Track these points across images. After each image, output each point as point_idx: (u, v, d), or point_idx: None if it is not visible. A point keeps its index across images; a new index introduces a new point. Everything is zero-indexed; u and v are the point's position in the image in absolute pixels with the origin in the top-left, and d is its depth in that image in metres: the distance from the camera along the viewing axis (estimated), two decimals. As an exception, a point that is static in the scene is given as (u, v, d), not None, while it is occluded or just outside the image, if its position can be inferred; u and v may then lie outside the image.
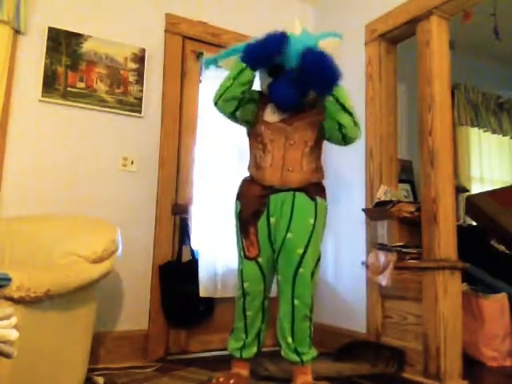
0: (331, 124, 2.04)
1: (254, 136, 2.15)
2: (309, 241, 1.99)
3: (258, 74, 2.08)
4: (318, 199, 2.07)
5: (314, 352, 2.03)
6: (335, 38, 2.08)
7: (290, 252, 1.99)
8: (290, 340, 1.98)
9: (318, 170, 2.13)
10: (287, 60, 1.97)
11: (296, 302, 1.97)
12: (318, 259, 2.06)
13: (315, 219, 2.03)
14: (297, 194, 2.03)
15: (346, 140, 2.07)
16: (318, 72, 1.90)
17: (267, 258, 2.07)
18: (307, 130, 2.07)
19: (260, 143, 2.10)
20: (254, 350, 2.12)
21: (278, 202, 2.04)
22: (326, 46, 2.01)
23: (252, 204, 2.08)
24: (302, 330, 1.99)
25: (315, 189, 2.08)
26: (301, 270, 1.97)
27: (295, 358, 1.98)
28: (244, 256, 2.08)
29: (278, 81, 2.02)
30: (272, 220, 2.04)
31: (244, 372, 2.11)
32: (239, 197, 2.16)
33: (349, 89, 2.94)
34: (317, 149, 2.13)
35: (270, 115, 2.11)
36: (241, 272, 2.10)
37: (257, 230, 2.06)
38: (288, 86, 1.99)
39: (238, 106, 2.06)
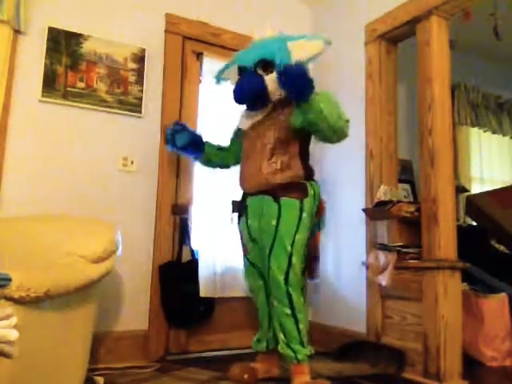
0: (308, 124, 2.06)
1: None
2: (273, 242, 2.05)
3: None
4: (283, 199, 2.07)
5: (308, 350, 2.04)
6: (316, 40, 2.14)
7: (263, 254, 2.13)
8: (281, 336, 2.05)
9: (287, 169, 2.10)
10: (244, 60, 2.21)
11: (275, 302, 2.06)
12: (291, 259, 2.03)
13: (278, 219, 2.05)
14: (265, 197, 2.13)
15: (328, 140, 2.09)
16: (295, 86, 1.94)
17: (257, 254, 2.21)
18: (269, 131, 2.15)
19: (242, 155, 2.29)
20: (264, 344, 2.22)
21: (254, 205, 2.19)
22: (297, 47, 2.10)
23: (238, 208, 2.33)
24: (288, 328, 2.03)
25: (282, 189, 2.08)
26: (270, 270, 2.06)
27: (290, 353, 2.02)
28: (243, 253, 2.32)
29: (241, 77, 2.21)
30: (249, 222, 2.21)
31: (260, 366, 2.21)
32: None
33: (349, 89, 2.97)
34: (282, 149, 2.12)
35: (246, 121, 2.27)
36: (244, 270, 2.33)
37: (241, 231, 2.30)
38: (247, 77, 2.16)
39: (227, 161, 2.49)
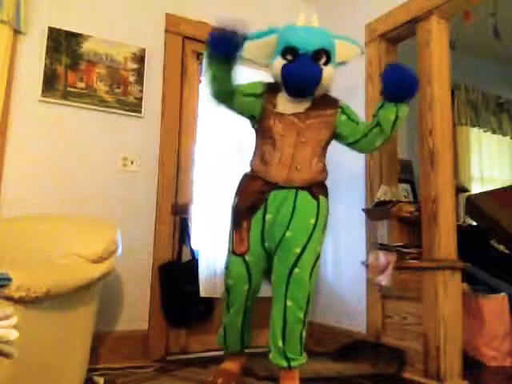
0: (359, 131, 2.10)
1: (262, 131, 2.08)
2: (308, 241, 1.93)
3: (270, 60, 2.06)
4: (321, 198, 2.04)
5: (304, 358, 1.96)
6: (354, 44, 2.14)
7: (287, 251, 1.93)
8: (280, 343, 1.91)
9: (324, 169, 2.11)
10: (304, 43, 1.95)
11: (289, 303, 1.90)
12: (317, 260, 1.99)
13: (316, 219, 1.98)
14: (299, 192, 1.99)
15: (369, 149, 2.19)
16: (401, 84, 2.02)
17: (256, 258, 2.01)
18: (322, 130, 2.05)
19: (269, 138, 2.03)
20: (238, 346, 2.13)
21: (278, 199, 1.99)
22: (341, 46, 2.06)
23: (249, 198, 2.03)
24: (293, 333, 1.90)
25: (319, 188, 2.05)
26: (296, 270, 1.90)
27: (283, 362, 1.91)
28: (232, 250, 2.04)
29: (296, 60, 1.95)
30: (268, 217, 1.99)
31: (233, 367, 2.12)
32: (238, 191, 2.12)
33: (349, 89, 2.96)
34: (325, 149, 2.14)
35: (283, 104, 2.04)
36: (227, 268, 2.07)
37: (249, 226, 2.01)
38: (308, 63, 1.94)
39: (227, 99, 2.07)
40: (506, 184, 4.15)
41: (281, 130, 2.02)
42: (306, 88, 1.97)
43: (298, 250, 1.92)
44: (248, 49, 2.02)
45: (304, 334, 1.95)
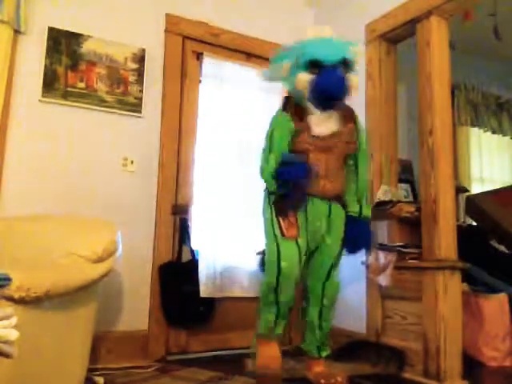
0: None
1: (295, 151, 2.07)
2: (340, 250, 2.15)
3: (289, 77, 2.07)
4: (344, 212, 2.19)
5: (329, 349, 2.22)
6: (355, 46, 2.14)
7: (327, 257, 2.13)
8: (317, 335, 2.16)
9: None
10: (327, 56, 1.97)
11: (325, 301, 2.14)
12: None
13: (344, 229, 2.18)
14: (333, 204, 2.13)
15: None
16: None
17: (304, 246, 2.07)
18: (348, 144, 2.13)
19: (316, 149, 2.10)
20: (280, 329, 2.15)
21: (315, 206, 2.09)
22: (355, 53, 2.08)
23: (300, 198, 2.08)
24: (326, 329, 2.18)
25: (343, 199, 2.18)
26: (333, 272, 2.14)
27: (315, 351, 2.18)
28: (282, 235, 2.02)
29: (324, 72, 1.96)
30: (309, 218, 2.08)
31: (278, 351, 2.13)
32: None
33: (349, 89, 2.95)
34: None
35: (317, 126, 2.08)
36: (277, 252, 2.00)
37: (296, 216, 2.06)
38: (337, 74, 1.96)
39: None
40: (506, 184, 4.15)
41: (317, 153, 2.08)
42: (339, 98, 2.02)
43: (335, 256, 2.14)
44: (274, 71, 2.14)
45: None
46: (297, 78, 2.00)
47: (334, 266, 2.14)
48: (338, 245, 2.14)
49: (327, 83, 1.95)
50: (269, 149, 2.06)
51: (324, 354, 2.20)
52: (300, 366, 2.32)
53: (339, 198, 2.15)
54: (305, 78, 1.97)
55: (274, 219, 2.06)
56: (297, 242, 2.03)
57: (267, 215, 2.10)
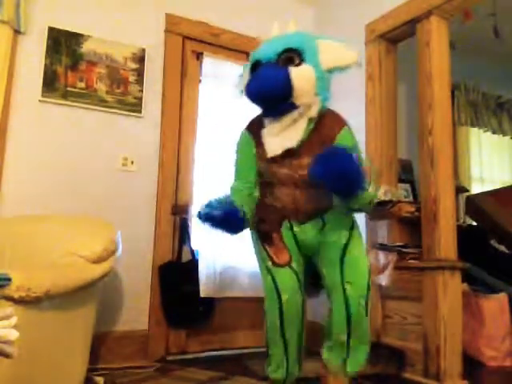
0: None
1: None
2: (351, 233, 1.75)
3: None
4: None
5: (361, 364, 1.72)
6: (353, 51, 1.73)
7: (331, 243, 1.72)
8: (343, 337, 1.66)
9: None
10: (265, 52, 1.67)
11: (348, 287, 1.65)
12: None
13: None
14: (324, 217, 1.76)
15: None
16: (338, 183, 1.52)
17: (301, 265, 1.74)
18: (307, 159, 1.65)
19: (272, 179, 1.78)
20: (296, 373, 1.79)
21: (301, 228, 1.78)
22: (330, 48, 1.68)
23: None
24: (360, 324, 1.65)
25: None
26: (348, 255, 1.68)
27: (337, 363, 1.70)
28: (273, 264, 1.71)
29: (255, 72, 1.66)
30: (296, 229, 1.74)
31: None
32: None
33: (349, 89, 2.96)
34: None
35: (270, 142, 1.68)
36: (273, 283, 1.68)
37: (281, 236, 1.74)
38: (267, 69, 1.62)
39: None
40: (506, 184, 4.15)
41: (279, 185, 1.71)
42: (272, 95, 1.59)
43: (344, 240, 1.70)
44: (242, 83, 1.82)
45: (368, 327, 1.69)
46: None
47: (348, 246, 1.68)
48: (344, 230, 1.71)
49: (252, 82, 1.63)
50: (236, 172, 1.80)
51: (351, 369, 1.70)
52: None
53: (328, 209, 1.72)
54: (244, 84, 1.70)
55: (260, 248, 1.77)
56: (291, 267, 1.70)
57: (252, 242, 1.83)
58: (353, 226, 1.75)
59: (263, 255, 1.75)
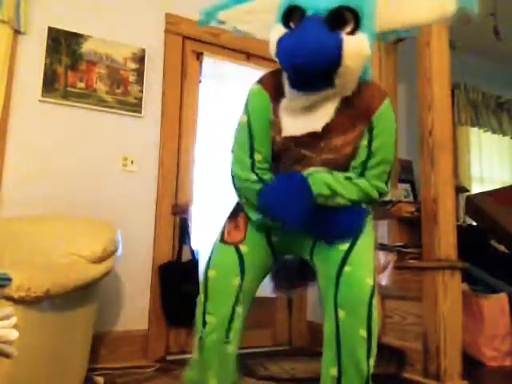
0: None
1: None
2: (356, 237, 1.45)
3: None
4: None
5: None
6: None
7: (330, 247, 1.38)
8: (333, 371, 1.29)
9: None
10: (312, 5, 1.21)
11: (341, 313, 1.28)
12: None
13: None
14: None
15: None
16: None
17: (256, 251, 1.45)
18: (349, 151, 1.37)
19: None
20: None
21: None
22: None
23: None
24: (352, 358, 1.27)
25: None
26: (347, 268, 1.32)
27: None
28: (220, 240, 1.50)
29: (297, 27, 1.23)
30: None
31: None
32: None
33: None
34: None
35: (288, 118, 1.34)
36: (208, 260, 1.47)
37: (247, 219, 1.47)
38: (315, 29, 1.18)
39: None
40: (506, 184, 4.15)
41: (291, 165, 1.40)
42: (315, 67, 1.18)
43: (346, 245, 1.35)
44: (241, 16, 1.43)
45: (371, 363, 1.30)
46: (271, 36, 1.29)
47: (348, 258, 1.32)
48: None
49: (290, 45, 1.20)
50: (249, 143, 1.38)
51: None
52: (300, 366, 2.32)
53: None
54: (275, 36, 1.25)
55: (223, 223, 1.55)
56: (237, 249, 1.42)
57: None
58: (361, 225, 1.39)
59: (220, 231, 1.53)
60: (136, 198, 2.65)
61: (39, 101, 2.45)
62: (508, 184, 4.10)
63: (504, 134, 4.35)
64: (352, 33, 1.21)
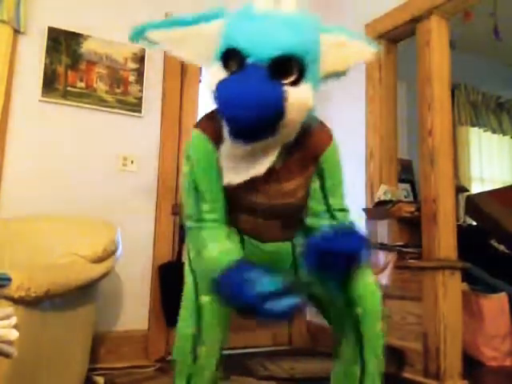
0: None
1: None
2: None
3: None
4: None
5: None
6: (365, 44, 1.37)
7: None
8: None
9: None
10: (254, 46, 1.11)
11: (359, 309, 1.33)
12: None
13: None
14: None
15: None
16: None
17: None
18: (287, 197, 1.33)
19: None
20: None
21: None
22: (330, 46, 1.23)
23: None
24: (375, 356, 1.37)
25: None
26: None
27: None
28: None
29: (239, 74, 1.12)
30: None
31: None
32: None
33: (349, 89, 2.96)
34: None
35: (228, 166, 1.25)
36: (193, 283, 1.34)
37: None
38: (257, 80, 1.08)
39: None
40: (506, 184, 4.15)
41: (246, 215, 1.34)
42: (253, 124, 1.10)
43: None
44: (173, 40, 1.39)
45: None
46: (208, 75, 1.21)
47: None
48: None
49: (231, 95, 1.10)
50: (194, 195, 1.30)
51: None
52: (300, 366, 2.32)
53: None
54: (214, 79, 1.16)
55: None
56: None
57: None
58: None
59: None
60: (136, 197, 2.65)
61: (39, 101, 2.45)
62: (508, 184, 4.10)
63: (504, 133, 4.36)
64: (296, 83, 1.11)
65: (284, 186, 1.29)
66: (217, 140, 1.26)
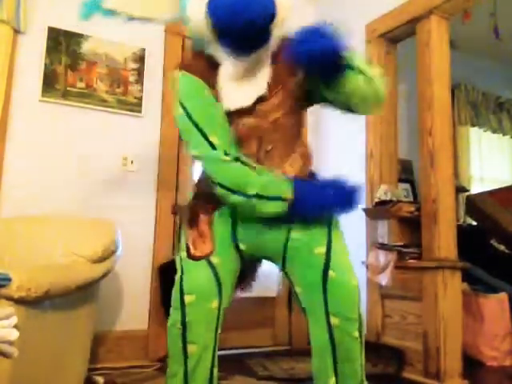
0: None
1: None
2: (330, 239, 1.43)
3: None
4: None
5: None
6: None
7: (305, 253, 1.34)
8: (332, 381, 1.27)
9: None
10: None
11: (334, 320, 1.27)
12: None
13: None
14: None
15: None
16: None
17: (227, 260, 1.36)
18: (292, 104, 1.35)
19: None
20: None
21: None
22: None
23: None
24: (350, 362, 1.27)
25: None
26: (331, 272, 1.30)
27: None
28: (188, 255, 1.35)
29: None
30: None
31: None
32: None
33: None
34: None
35: (228, 90, 1.26)
36: (180, 282, 1.33)
37: (210, 220, 1.36)
38: None
39: None
40: (506, 184, 4.15)
41: (249, 139, 1.31)
42: (253, 29, 1.14)
43: (323, 247, 1.33)
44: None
45: (363, 358, 1.31)
46: (188, 7, 1.23)
47: (330, 262, 1.30)
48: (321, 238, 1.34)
49: (224, 6, 1.13)
50: (199, 131, 1.25)
51: None
52: (300, 366, 2.32)
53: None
54: (200, 2, 1.18)
55: (182, 231, 1.42)
56: (210, 263, 1.32)
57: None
58: (331, 220, 1.41)
59: (182, 243, 1.39)
60: (136, 197, 2.65)
61: (39, 101, 2.45)
62: (508, 184, 4.10)
63: (504, 133, 4.36)
64: None
65: (273, 101, 1.29)
66: (203, 75, 1.26)
